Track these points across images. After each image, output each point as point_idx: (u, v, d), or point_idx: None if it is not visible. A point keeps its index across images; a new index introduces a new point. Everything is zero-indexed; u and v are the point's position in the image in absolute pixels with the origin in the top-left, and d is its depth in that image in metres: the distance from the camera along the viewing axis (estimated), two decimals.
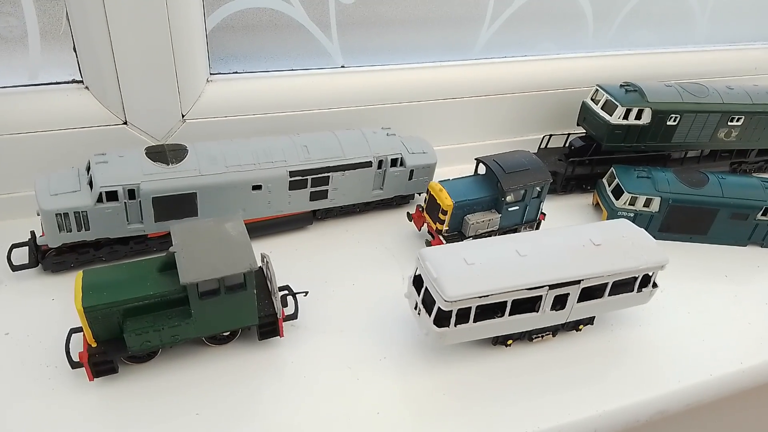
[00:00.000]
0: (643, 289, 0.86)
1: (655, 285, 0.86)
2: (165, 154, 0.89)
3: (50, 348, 0.78)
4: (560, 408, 0.78)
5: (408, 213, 1.06)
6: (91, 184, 0.85)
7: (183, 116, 1.01)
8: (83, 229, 0.86)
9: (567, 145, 1.26)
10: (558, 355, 0.85)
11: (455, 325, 0.76)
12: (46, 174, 0.86)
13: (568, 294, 0.80)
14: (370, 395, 0.77)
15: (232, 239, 0.75)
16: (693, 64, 1.43)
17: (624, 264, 0.81)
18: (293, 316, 0.84)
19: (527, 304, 0.79)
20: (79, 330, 0.74)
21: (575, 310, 0.83)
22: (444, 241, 0.97)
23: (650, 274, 0.85)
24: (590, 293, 0.82)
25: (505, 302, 0.77)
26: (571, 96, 1.29)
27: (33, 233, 0.89)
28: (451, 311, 0.74)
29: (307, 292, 0.87)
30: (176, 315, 0.73)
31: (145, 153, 0.89)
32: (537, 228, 1.05)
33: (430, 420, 0.75)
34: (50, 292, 0.86)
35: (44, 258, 0.88)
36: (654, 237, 0.86)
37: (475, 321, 0.76)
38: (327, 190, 1.01)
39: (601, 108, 1.18)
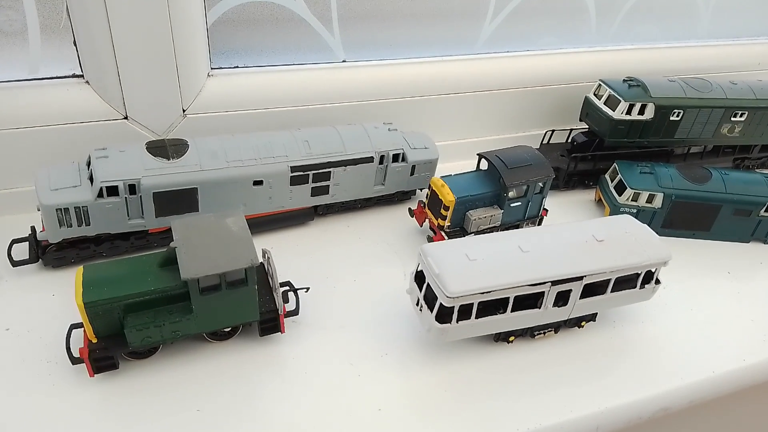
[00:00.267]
0: (646, 286, 0.85)
1: (657, 281, 0.86)
2: (166, 149, 0.89)
3: (51, 344, 0.77)
4: (562, 404, 0.77)
5: (409, 209, 1.06)
6: (91, 179, 0.85)
7: (184, 111, 1.00)
8: (84, 224, 0.86)
9: (569, 140, 1.25)
10: (560, 352, 0.85)
11: (457, 322, 0.76)
12: (46, 169, 0.86)
13: (571, 290, 0.79)
14: (371, 391, 0.77)
15: (233, 235, 0.75)
16: (696, 59, 1.42)
17: (627, 260, 0.80)
18: (294, 312, 0.83)
19: (529, 301, 0.79)
20: (79, 326, 0.74)
21: (578, 306, 0.82)
22: (446, 237, 0.97)
23: (653, 270, 0.84)
24: (593, 289, 0.81)
25: (507, 298, 0.76)
26: (574, 91, 1.28)
27: (33, 228, 0.89)
28: (453, 307, 0.74)
29: (308, 288, 0.87)
30: (177, 311, 0.73)
31: (146, 148, 0.88)
32: (539, 224, 1.05)
33: (431, 416, 0.74)
34: (51, 288, 0.86)
35: (44, 253, 0.88)
36: (657, 233, 0.85)
37: (477, 317, 0.76)
38: (328, 186, 1.01)
39: (604, 103, 1.17)
